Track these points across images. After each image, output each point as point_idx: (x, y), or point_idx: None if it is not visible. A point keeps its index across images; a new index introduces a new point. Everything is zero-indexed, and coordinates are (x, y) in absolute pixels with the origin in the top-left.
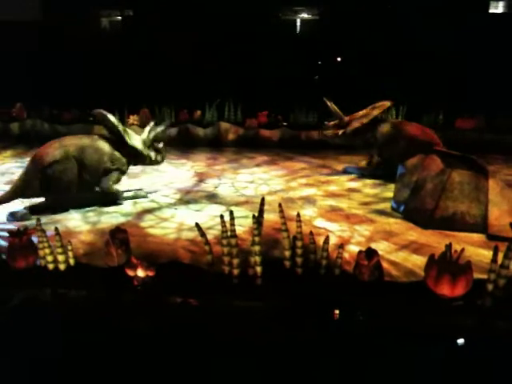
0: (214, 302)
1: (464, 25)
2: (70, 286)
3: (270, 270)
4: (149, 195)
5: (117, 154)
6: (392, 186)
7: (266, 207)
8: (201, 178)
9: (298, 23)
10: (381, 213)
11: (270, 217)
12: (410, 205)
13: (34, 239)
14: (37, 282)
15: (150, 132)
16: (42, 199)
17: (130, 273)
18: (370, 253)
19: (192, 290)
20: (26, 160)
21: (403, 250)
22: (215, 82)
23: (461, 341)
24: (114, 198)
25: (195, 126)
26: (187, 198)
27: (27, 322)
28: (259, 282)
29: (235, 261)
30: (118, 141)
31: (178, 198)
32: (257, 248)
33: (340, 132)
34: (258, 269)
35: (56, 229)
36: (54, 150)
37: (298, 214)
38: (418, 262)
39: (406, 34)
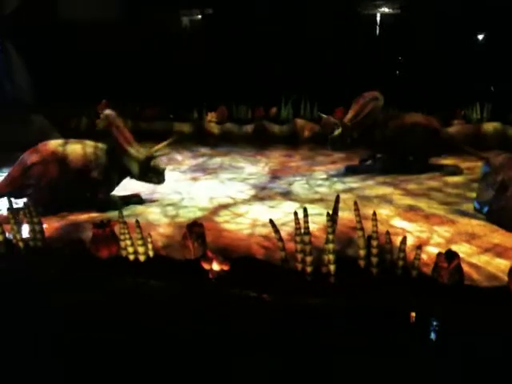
0: (287, 298)
1: None
2: (150, 277)
3: (344, 268)
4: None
5: (107, 165)
6: (475, 186)
7: (340, 205)
8: (275, 174)
9: (378, 17)
10: (463, 213)
11: (345, 215)
12: (494, 206)
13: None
14: (118, 272)
15: (150, 153)
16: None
17: (206, 266)
18: (450, 255)
19: (265, 286)
20: None
21: (486, 253)
22: (292, 79)
23: None
24: (108, 207)
25: (271, 123)
26: (262, 194)
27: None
28: (332, 281)
29: (308, 258)
30: (116, 152)
31: (253, 194)
32: (330, 246)
33: (348, 140)
34: (332, 267)
35: (137, 221)
36: (38, 152)
37: (374, 213)
38: (501, 266)
39: (489, 27)
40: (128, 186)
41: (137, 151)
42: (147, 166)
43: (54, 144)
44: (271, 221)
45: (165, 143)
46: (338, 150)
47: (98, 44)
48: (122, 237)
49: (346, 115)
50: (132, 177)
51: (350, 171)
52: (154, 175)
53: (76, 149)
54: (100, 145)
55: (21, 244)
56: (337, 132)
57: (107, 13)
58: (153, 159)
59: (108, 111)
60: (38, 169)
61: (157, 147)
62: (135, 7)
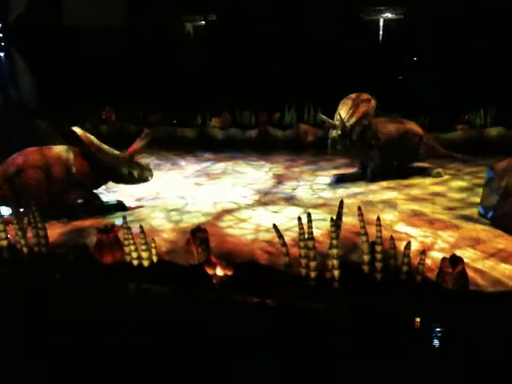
0: (290, 303)
1: None
2: (154, 282)
3: (348, 274)
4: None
5: (87, 169)
6: (480, 191)
7: (344, 210)
8: (279, 179)
9: (382, 22)
10: (467, 219)
11: (349, 220)
12: (498, 211)
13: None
14: (122, 277)
15: (131, 152)
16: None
17: (210, 271)
18: (455, 260)
19: (269, 291)
20: None
21: (491, 258)
22: (295, 84)
23: None
24: (75, 212)
25: (274, 128)
26: (265, 199)
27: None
28: (336, 286)
29: (312, 263)
30: (93, 157)
31: (257, 199)
32: (334, 251)
33: (347, 140)
34: (336, 272)
35: (141, 227)
36: (20, 159)
37: (378, 218)
38: (506, 271)
39: (492, 33)
40: (125, 192)
41: (119, 154)
42: (134, 163)
43: (33, 151)
44: (275, 226)
45: (141, 140)
46: (338, 152)
47: (101, 50)
48: (125, 242)
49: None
50: (119, 181)
51: (338, 181)
52: (143, 171)
53: (56, 154)
54: (75, 151)
55: (25, 249)
56: (335, 133)
57: (111, 19)
58: (135, 156)
59: (75, 129)
60: (20, 176)
61: (135, 145)
62: (139, 13)
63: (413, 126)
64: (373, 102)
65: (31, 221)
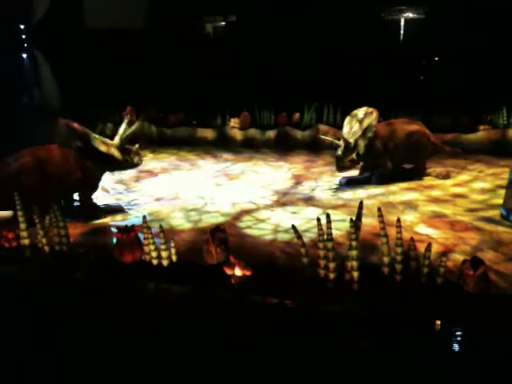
0: (309, 304)
1: None
2: (173, 282)
3: (368, 275)
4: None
5: (87, 164)
6: (502, 192)
7: (364, 211)
8: (298, 180)
9: (402, 23)
10: (489, 220)
11: (369, 221)
12: None
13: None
14: (142, 276)
15: (120, 135)
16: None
17: (228, 271)
18: (476, 262)
19: (288, 292)
20: None
21: None
22: (315, 85)
23: None
24: (90, 213)
25: (294, 129)
26: (284, 199)
27: None
28: (356, 288)
29: (331, 265)
30: (88, 150)
31: (275, 199)
32: (354, 253)
33: (354, 156)
34: (355, 274)
35: (160, 226)
36: (16, 162)
37: (399, 219)
38: None
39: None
40: (145, 192)
41: (110, 143)
42: (125, 149)
43: (28, 153)
44: (294, 226)
45: (126, 126)
46: (346, 170)
47: (122, 51)
48: (145, 241)
49: (344, 134)
50: (115, 168)
51: (347, 184)
52: (134, 155)
53: (52, 154)
54: (71, 148)
55: (46, 248)
56: (340, 151)
57: (132, 21)
58: (125, 140)
59: (63, 121)
60: (18, 179)
61: (122, 132)
62: (159, 15)
63: (419, 127)
64: (375, 114)
65: (53, 220)
